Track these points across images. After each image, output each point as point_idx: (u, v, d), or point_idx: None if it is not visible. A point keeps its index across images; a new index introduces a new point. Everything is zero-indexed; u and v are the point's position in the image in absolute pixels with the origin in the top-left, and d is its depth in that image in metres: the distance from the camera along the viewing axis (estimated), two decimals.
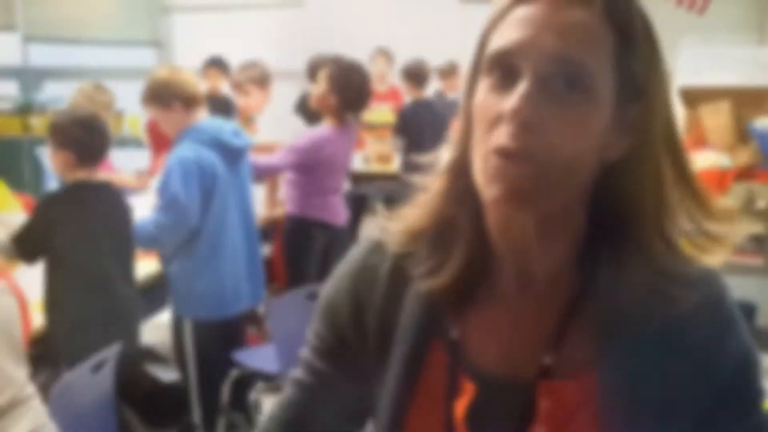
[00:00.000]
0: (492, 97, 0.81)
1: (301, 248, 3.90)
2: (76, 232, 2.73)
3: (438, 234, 0.89)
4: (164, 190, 3.07)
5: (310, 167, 3.79)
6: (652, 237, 0.83)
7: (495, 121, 0.80)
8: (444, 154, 0.91)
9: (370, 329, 0.94)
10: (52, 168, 2.92)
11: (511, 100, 0.78)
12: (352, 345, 0.95)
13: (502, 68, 0.80)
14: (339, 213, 3.97)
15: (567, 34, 0.78)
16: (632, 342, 0.84)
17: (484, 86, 0.82)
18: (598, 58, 0.79)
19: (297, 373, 1.00)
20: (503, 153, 0.78)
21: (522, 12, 0.80)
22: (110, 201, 2.88)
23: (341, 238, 4.03)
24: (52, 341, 2.75)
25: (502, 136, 0.78)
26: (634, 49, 0.80)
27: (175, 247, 3.15)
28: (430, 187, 0.91)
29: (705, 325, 0.84)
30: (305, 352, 0.99)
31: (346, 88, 3.73)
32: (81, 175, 2.82)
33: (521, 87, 0.78)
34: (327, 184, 3.88)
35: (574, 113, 0.78)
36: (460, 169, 0.87)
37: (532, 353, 0.86)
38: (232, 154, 3.22)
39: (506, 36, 0.80)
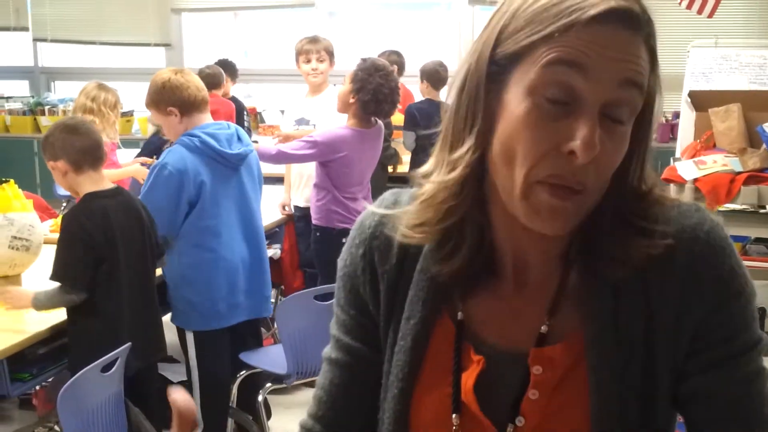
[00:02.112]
0: (543, 120, 0.79)
1: (330, 258, 3.78)
2: (103, 245, 2.71)
3: (447, 229, 0.89)
4: (142, 191, 3.07)
5: (323, 163, 3.72)
6: (624, 187, 0.85)
7: (551, 148, 0.79)
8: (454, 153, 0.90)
9: (381, 298, 0.95)
10: (61, 186, 2.87)
11: (583, 137, 0.77)
12: (371, 313, 0.96)
13: (558, 89, 0.78)
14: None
15: (631, 60, 0.78)
16: (615, 291, 0.85)
17: (528, 104, 0.79)
18: (646, 79, 0.81)
19: (330, 351, 1.01)
20: (558, 181, 0.79)
21: (579, 34, 0.77)
22: (126, 210, 2.83)
23: None
24: (72, 352, 2.74)
25: (563, 168, 0.79)
26: (655, 68, 0.83)
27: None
28: (442, 184, 0.89)
29: (687, 253, 0.83)
30: (333, 328, 1.00)
31: (363, 89, 3.63)
32: (87, 184, 2.77)
33: (590, 121, 0.77)
34: (348, 192, 3.79)
35: (621, 144, 0.81)
36: (476, 171, 0.86)
37: (531, 325, 0.88)
38: (226, 162, 3.11)
39: (566, 51, 0.77)
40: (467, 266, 0.89)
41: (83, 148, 2.76)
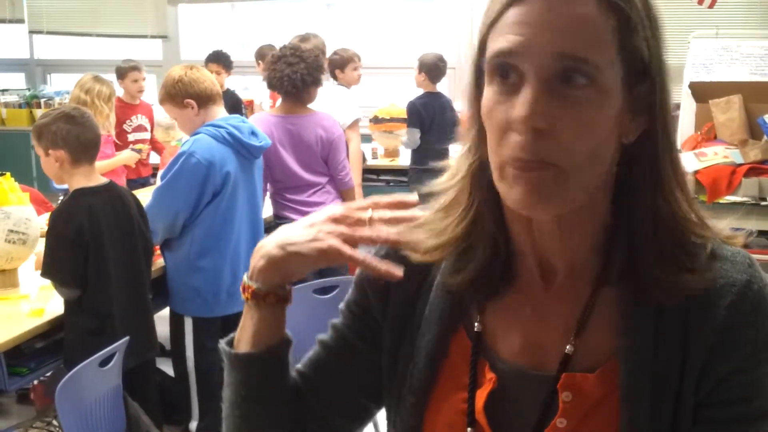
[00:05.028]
0: (498, 104, 0.78)
1: None
2: (88, 242, 2.69)
3: (461, 238, 0.88)
4: (164, 177, 3.09)
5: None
6: (671, 214, 0.82)
7: (504, 129, 0.78)
8: (456, 156, 0.90)
9: (391, 308, 0.95)
10: (49, 174, 2.85)
11: (518, 108, 0.75)
12: (376, 317, 0.97)
13: (503, 72, 0.78)
14: (309, 209, 3.69)
15: (565, 31, 0.75)
16: (652, 325, 0.82)
17: (489, 92, 0.80)
18: (600, 48, 0.76)
19: (324, 335, 1.02)
20: (518, 164, 0.77)
21: (516, 12, 0.77)
22: (115, 206, 2.81)
23: None
24: (66, 347, 2.75)
25: (514, 146, 0.76)
26: (636, 28, 0.77)
27: (165, 236, 3.11)
28: (446, 192, 0.89)
29: (730, 307, 0.81)
30: (335, 321, 1.02)
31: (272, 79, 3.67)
32: (80, 177, 2.75)
33: (525, 92, 0.75)
34: (282, 184, 3.75)
35: (585, 109, 0.76)
36: (479, 174, 0.85)
37: (554, 344, 0.86)
38: (249, 153, 3.20)
39: (503, 39, 0.77)
40: (484, 273, 0.87)
41: (86, 142, 2.76)
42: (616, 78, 0.77)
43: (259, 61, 6.21)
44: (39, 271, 2.78)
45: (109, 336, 2.63)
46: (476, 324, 0.90)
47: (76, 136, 2.72)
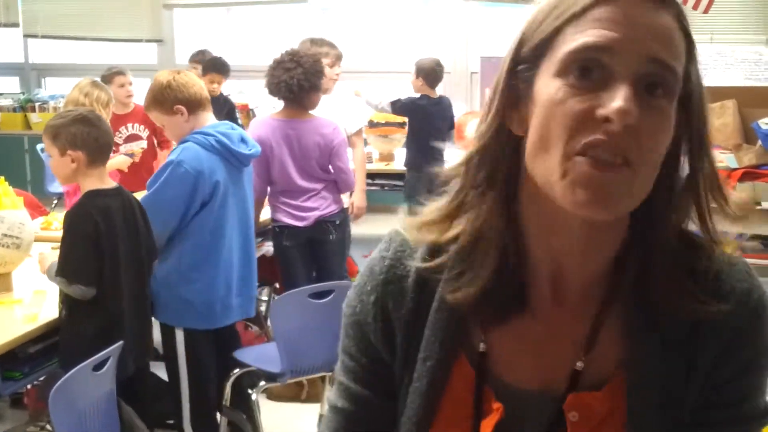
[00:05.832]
0: (573, 96, 0.76)
1: (278, 250, 3.86)
2: (105, 243, 2.68)
3: (466, 244, 0.85)
4: (150, 185, 3.02)
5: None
6: (678, 233, 0.83)
7: (582, 121, 0.75)
8: (450, 161, 0.88)
9: (397, 344, 0.90)
10: (59, 175, 2.84)
11: (615, 101, 0.74)
12: (386, 361, 0.91)
13: (586, 66, 0.76)
14: (302, 214, 3.80)
15: (659, 37, 0.76)
16: (658, 337, 0.83)
17: (558, 84, 0.77)
18: (680, 62, 0.78)
19: (336, 399, 0.95)
20: (595, 162, 0.75)
21: (605, 10, 0.76)
22: (125, 210, 2.80)
23: (321, 234, 3.88)
24: (62, 350, 2.73)
25: (599, 133, 0.74)
26: (695, 57, 0.81)
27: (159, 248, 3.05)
28: (450, 192, 0.87)
29: (736, 316, 0.82)
30: (340, 374, 0.95)
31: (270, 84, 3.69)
32: (93, 180, 2.76)
33: (621, 89, 0.74)
34: (278, 187, 3.76)
35: (662, 117, 0.77)
36: (494, 176, 0.83)
37: (563, 363, 0.84)
38: (238, 161, 3.15)
39: (593, 33, 0.75)
40: (489, 293, 0.84)
41: (103, 144, 2.78)
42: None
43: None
44: (43, 274, 2.78)
45: (117, 336, 2.63)
46: (481, 344, 0.86)
47: (95, 138, 2.74)
